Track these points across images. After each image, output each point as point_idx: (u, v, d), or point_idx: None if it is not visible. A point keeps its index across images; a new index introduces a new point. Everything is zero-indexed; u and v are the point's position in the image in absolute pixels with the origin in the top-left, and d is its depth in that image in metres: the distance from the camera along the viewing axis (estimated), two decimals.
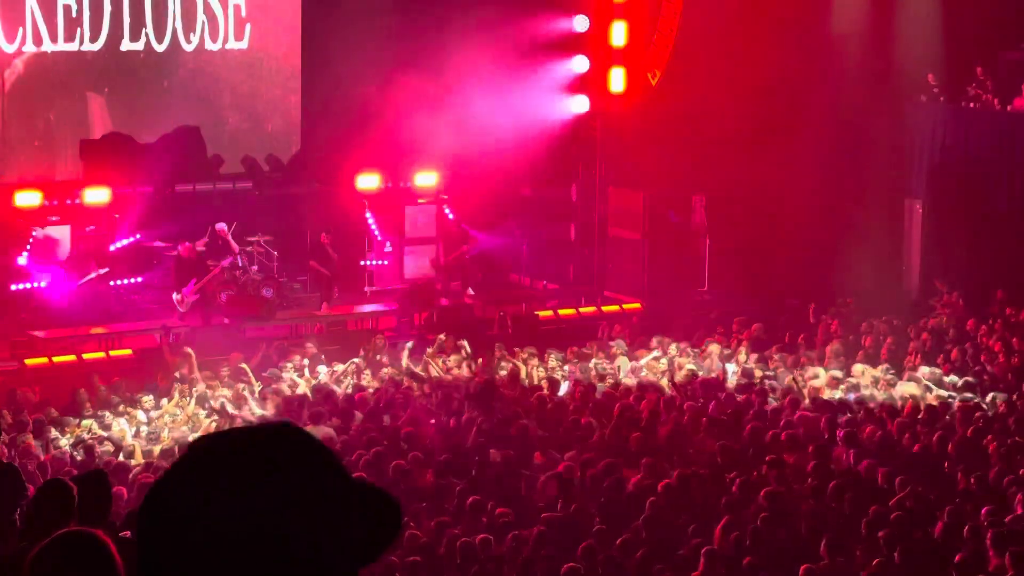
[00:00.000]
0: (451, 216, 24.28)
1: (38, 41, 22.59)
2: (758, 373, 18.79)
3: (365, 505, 2.07)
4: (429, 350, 19.46)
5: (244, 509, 1.96)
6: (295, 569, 1.97)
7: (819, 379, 18.55)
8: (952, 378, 18.00)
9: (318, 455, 2.04)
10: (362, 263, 23.76)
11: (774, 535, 12.37)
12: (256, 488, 1.98)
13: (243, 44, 24.25)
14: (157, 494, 2.03)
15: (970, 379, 17.85)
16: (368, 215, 23.75)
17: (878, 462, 14.19)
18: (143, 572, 2.02)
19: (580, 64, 25.02)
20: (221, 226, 21.86)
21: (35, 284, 21.13)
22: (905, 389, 17.56)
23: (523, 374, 18.39)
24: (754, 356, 19.69)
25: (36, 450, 15.08)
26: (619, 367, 19.22)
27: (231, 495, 1.97)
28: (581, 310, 23.32)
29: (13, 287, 21.02)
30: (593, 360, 19.43)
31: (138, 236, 21.94)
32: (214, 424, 16.39)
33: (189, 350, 18.66)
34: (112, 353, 20.10)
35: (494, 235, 24.31)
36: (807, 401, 17.19)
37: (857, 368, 18.86)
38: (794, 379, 18.42)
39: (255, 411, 16.79)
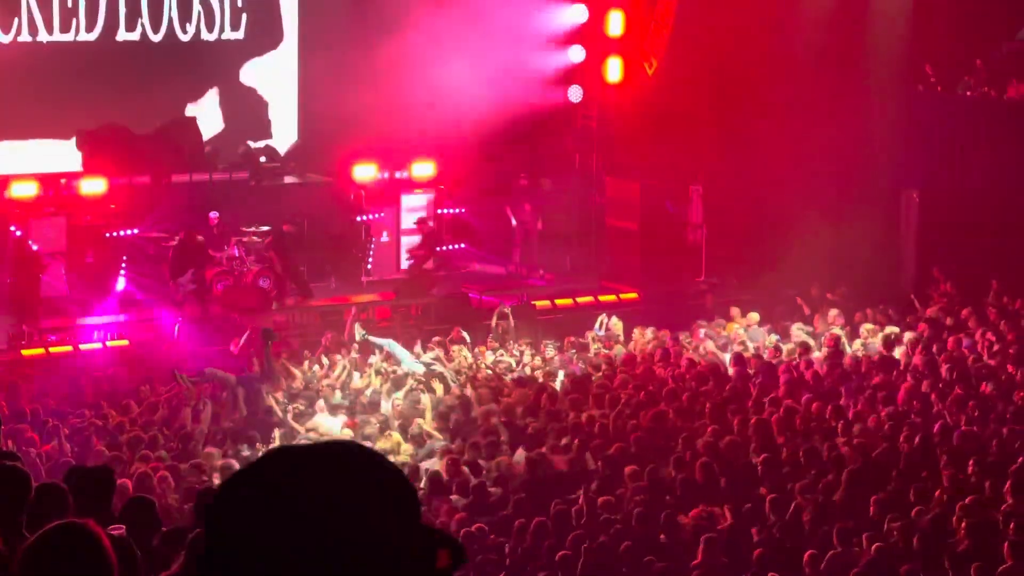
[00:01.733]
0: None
1: (34, 31, 22.58)
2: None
3: (427, 542, 2.10)
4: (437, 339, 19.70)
5: (312, 522, 2.01)
6: None
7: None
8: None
9: (394, 483, 2.10)
10: (359, 254, 23.74)
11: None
12: (329, 504, 2.03)
13: (239, 34, 24.24)
14: (232, 494, 2.08)
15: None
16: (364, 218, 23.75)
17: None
18: (206, 564, 2.06)
19: (577, 54, 25.02)
20: (213, 215, 21.89)
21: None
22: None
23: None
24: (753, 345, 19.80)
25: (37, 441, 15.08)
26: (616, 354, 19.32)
27: (303, 508, 2.02)
28: (578, 300, 23.33)
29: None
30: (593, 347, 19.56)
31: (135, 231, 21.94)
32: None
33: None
34: (109, 344, 20.11)
35: (489, 224, 24.33)
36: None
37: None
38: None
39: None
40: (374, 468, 2.10)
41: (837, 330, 20.12)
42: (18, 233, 20.88)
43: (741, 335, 20.25)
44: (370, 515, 2.05)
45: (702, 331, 20.26)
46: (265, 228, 22.41)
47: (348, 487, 2.05)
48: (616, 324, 20.86)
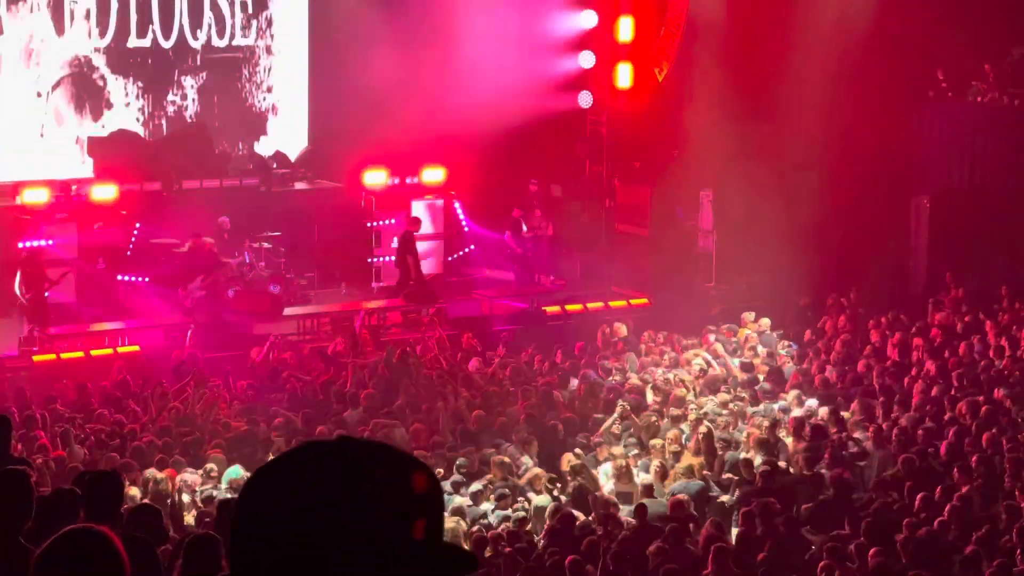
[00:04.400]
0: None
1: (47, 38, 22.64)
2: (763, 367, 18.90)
3: (445, 552, 2.11)
4: None
5: (338, 523, 2.02)
6: None
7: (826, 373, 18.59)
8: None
9: (423, 483, 2.10)
10: (369, 260, 23.77)
11: None
12: (355, 504, 2.04)
13: (250, 40, 24.29)
14: (260, 489, 2.09)
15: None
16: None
17: None
18: (236, 565, 2.08)
19: (587, 59, 25.03)
20: (223, 220, 21.93)
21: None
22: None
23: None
24: (763, 351, 19.76)
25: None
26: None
27: (330, 508, 2.03)
28: (588, 306, 23.31)
29: None
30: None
31: (137, 226, 21.94)
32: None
33: None
34: (120, 350, 20.12)
35: (500, 231, 24.33)
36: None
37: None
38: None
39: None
40: (402, 467, 2.10)
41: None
42: (29, 239, 20.90)
43: (753, 340, 20.21)
44: (388, 515, 2.05)
45: (712, 336, 20.22)
46: (276, 234, 22.46)
47: (370, 485, 2.05)
48: (621, 328, 20.83)
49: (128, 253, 21.81)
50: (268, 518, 2.05)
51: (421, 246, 23.89)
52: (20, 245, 20.70)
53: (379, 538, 2.03)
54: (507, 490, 13.82)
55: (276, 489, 2.07)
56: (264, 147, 24.29)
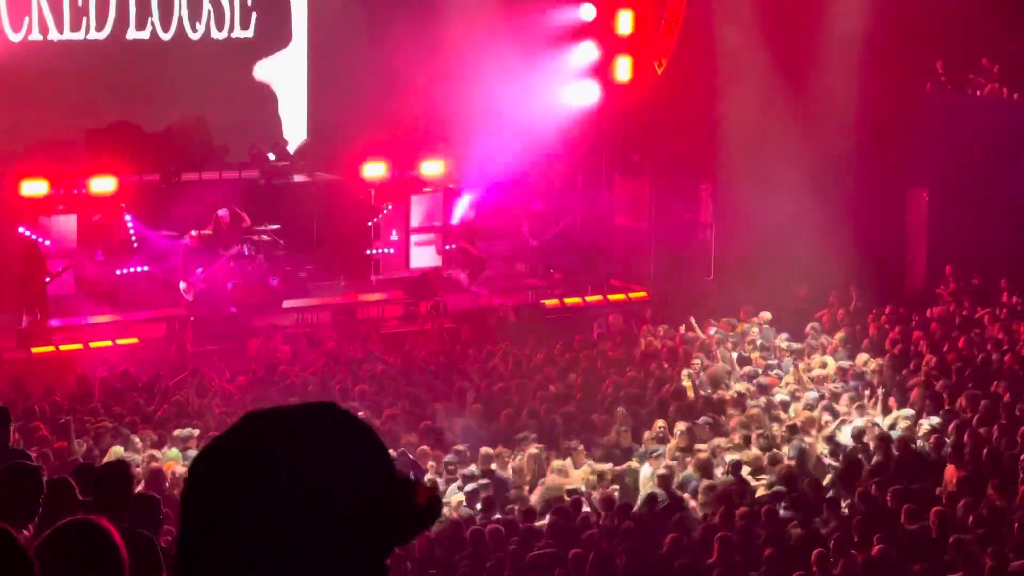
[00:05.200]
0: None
1: (44, 30, 22.62)
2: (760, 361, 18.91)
3: (403, 488, 2.13)
4: None
5: (287, 480, 2.04)
6: (328, 540, 2.04)
7: (826, 368, 18.60)
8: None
9: (364, 436, 2.12)
10: (368, 252, 23.77)
11: None
12: (300, 462, 2.06)
13: (249, 33, 24.28)
14: (206, 460, 2.11)
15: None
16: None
17: None
18: (185, 535, 2.09)
19: (587, 53, 25.01)
20: (222, 212, 21.92)
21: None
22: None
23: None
24: (760, 344, 19.77)
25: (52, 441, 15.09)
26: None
27: (276, 467, 2.05)
28: (587, 299, 23.32)
29: None
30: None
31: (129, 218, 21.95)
32: None
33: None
34: (119, 342, 20.12)
35: (498, 223, 24.33)
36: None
37: (861, 358, 18.86)
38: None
39: None
40: (345, 425, 2.12)
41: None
42: (28, 231, 20.90)
43: (752, 334, 20.21)
44: (345, 469, 2.07)
45: (712, 329, 20.24)
46: (275, 227, 22.45)
47: (320, 444, 2.08)
48: (617, 320, 20.86)
49: (135, 244, 21.82)
50: (215, 480, 2.07)
51: (419, 238, 23.91)
52: (21, 230, 20.71)
53: (325, 492, 2.05)
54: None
55: (223, 453, 2.10)
56: (263, 139, 24.27)
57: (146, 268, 21.89)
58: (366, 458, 2.10)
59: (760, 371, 18.53)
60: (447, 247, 23.99)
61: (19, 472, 6.02)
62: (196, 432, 15.49)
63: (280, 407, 2.15)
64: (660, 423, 15.79)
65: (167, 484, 13.42)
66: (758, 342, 19.90)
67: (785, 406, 16.88)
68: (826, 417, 16.19)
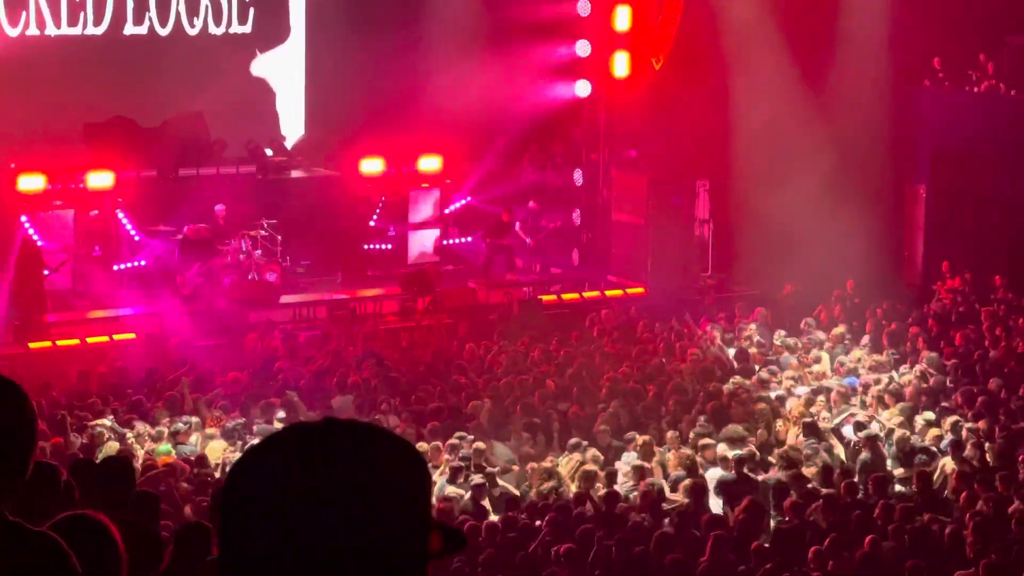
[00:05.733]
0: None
1: (41, 25, 22.59)
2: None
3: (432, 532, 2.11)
4: None
5: (323, 499, 2.01)
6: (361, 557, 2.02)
7: (822, 364, 18.62)
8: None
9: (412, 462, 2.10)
10: (365, 247, 23.76)
11: None
12: (338, 481, 2.03)
13: (247, 28, 24.24)
14: (242, 476, 2.08)
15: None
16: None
17: None
18: (223, 546, 2.07)
19: (583, 48, 24.98)
20: (220, 208, 21.90)
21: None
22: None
23: None
24: (757, 340, 19.77)
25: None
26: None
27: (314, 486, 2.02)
28: (585, 295, 23.32)
29: None
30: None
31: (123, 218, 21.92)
32: None
33: None
34: (116, 337, 20.11)
35: (495, 218, 24.32)
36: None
37: (855, 354, 18.87)
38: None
39: None
40: (388, 447, 2.09)
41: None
42: (25, 226, 20.88)
43: (750, 330, 20.22)
44: (378, 496, 2.04)
45: (710, 324, 20.24)
46: (272, 222, 22.44)
47: (360, 466, 2.05)
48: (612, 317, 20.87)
49: (136, 238, 21.82)
50: (254, 500, 2.04)
51: (417, 235, 23.90)
52: (21, 219, 20.71)
53: (367, 518, 2.03)
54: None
55: (262, 471, 2.06)
56: (261, 135, 24.25)
57: (143, 263, 21.87)
58: (407, 487, 2.08)
59: (758, 367, 18.54)
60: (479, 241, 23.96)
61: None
62: (191, 427, 15.51)
63: (322, 422, 2.11)
64: (672, 433, 15.68)
65: (151, 474, 13.42)
66: (755, 338, 19.91)
67: (783, 401, 16.90)
68: (824, 413, 16.21)
